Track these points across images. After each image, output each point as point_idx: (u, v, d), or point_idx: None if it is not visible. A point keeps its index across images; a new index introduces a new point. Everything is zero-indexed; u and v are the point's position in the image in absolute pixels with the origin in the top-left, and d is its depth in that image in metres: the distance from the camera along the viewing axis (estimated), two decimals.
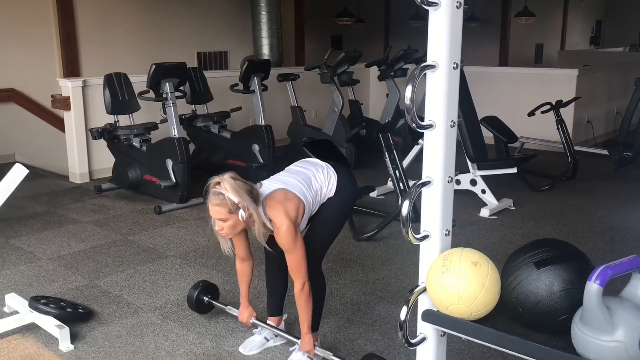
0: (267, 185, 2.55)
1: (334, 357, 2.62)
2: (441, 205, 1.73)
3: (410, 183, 4.96)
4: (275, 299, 2.98)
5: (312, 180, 2.61)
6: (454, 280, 1.62)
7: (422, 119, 1.70)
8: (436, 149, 1.70)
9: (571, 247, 1.69)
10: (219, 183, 2.39)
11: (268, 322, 2.96)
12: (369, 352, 2.73)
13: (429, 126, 1.68)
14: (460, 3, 1.64)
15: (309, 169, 2.67)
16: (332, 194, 2.66)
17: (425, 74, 1.66)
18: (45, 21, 7.44)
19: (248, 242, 2.73)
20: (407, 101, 1.60)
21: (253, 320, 2.89)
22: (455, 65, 1.66)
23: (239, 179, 2.40)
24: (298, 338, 2.74)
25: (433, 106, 1.68)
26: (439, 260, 1.69)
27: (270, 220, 2.45)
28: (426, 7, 1.62)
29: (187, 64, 5.67)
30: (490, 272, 1.65)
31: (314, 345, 2.66)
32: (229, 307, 3.08)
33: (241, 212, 2.38)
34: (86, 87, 6.10)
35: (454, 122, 1.70)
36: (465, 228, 4.69)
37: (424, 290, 1.75)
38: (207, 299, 3.17)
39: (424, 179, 1.72)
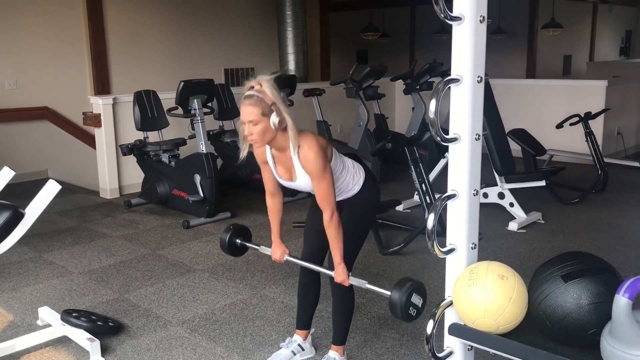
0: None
1: (369, 285, 2.53)
2: (467, 219, 1.73)
3: (437, 196, 4.94)
4: (305, 312, 2.95)
5: (343, 157, 2.66)
6: (481, 293, 1.62)
7: (448, 132, 1.71)
8: (461, 162, 1.70)
9: (599, 260, 1.67)
10: (253, 87, 2.40)
11: (296, 336, 2.96)
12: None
13: (454, 139, 1.69)
14: (483, 17, 1.65)
15: (342, 155, 2.71)
16: (356, 189, 2.67)
17: (449, 87, 1.67)
18: (77, 41, 7.64)
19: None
20: (432, 115, 1.61)
21: (287, 257, 2.83)
22: (479, 78, 1.67)
23: (275, 86, 2.42)
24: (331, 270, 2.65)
25: (457, 119, 1.69)
26: (465, 274, 1.68)
27: (299, 149, 2.44)
28: (449, 22, 1.63)
29: (214, 80, 5.75)
30: (517, 285, 1.64)
31: (348, 275, 2.57)
32: (261, 246, 2.97)
33: (273, 117, 2.38)
34: (116, 105, 6.23)
35: (479, 135, 1.71)
36: (494, 242, 4.65)
37: (451, 304, 1.75)
38: (239, 241, 3.09)
39: (449, 192, 1.72)
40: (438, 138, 1.64)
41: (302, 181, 2.56)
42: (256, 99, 2.37)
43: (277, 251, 2.85)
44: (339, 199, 2.65)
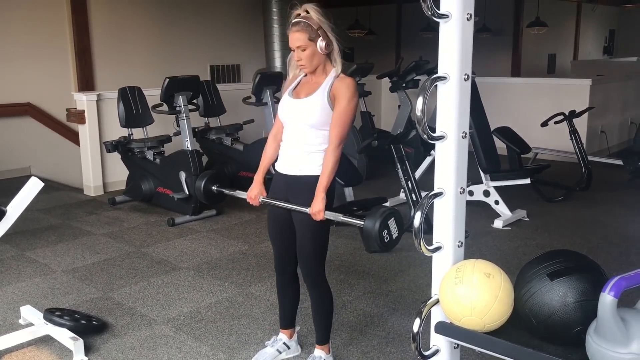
0: None
1: (343, 218, 2.52)
2: (453, 217, 1.73)
3: (423, 194, 4.95)
4: (287, 311, 2.96)
5: None
6: (467, 291, 1.61)
7: (434, 130, 1.71)
8: (448, 160, 1.70)
9: (585, 258, 1.67)
10: (300, 14, 2.48)
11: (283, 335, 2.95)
12: None
13: (441, 137, 1.68)
14: (470, 15, 1.64)
15: None
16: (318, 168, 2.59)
17: (436, 85, 1.66)
18: (61, 36, 7.56)
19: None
20: (419, 113, 1.61)
21: (262, 199, 2.78)
22: (466, 76, 1.67)
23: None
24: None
25: (444, 118, 1.68)
26: (451, 272, 1.68)
27: (331, 90, 2.50)
28: (437, 20, 1.63)
29: (200, 77, 5.72)
30: (503, 284, 1.64)
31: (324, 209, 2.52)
32: (237, 191, 2.91)
33: (320, 42, 2.46)
34: (101, 101, 6.17)
35: (466, 133, 1.70)
36: (479, 239, 4.67)
37: (437, 302, 1.74)
38: (215, 187, 3.03)
39: (436, 190, 1.72)
40: (425, 136, 1.63)
41: (315, 100, 2.54)
42: (303, 24, 2.47)
43: (254, 190, 2.78)
44: (304, 172, 2.60)
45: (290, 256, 2.76)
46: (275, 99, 6.28)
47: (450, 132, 1.67)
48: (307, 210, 2.53)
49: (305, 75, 2.64)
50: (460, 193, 1.73)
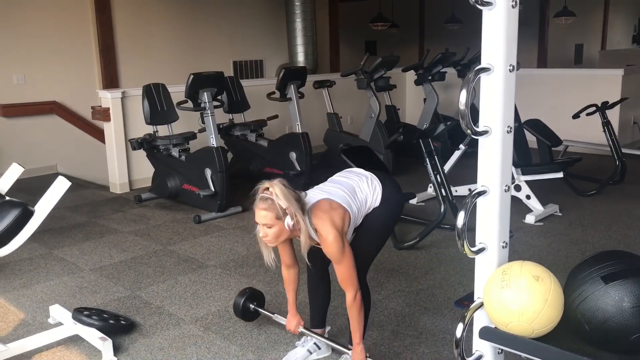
0: (312, 195, 2.49)
1: None
2: (498, 216, 1.64)
3: (452, 189, 4.84)
4: (318, 311, 2.92)
5: (356, 190, 2.55)
6: (515, 296, 1.53)
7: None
8: (492, 156, 1.61)
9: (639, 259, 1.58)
10: (267, 188, 2.35)
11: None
12: None
13: (485, 132, 1.59)
14: (516, 2, 1.55)
15: (353, 178, 2.61)
16: (377, 204, 2.58)
17: (479, 77, 1.58)
18: (85, 35, 7.58)
19: (293, 249, 2.68)
20: (462, 106, 1.52)
21: (301, 329, 2.83)
22: (511, 67, 1.58)
23: (288, 186, 2.36)
24: (346, 348, 2.67)
25: (488, 111, 1.59)
26: (497, 275, 1.59)
27: (315, 231, 2.39)
28: (480, 7, 1.54)
29: (224, 73, 5.68)
30: (553, 287, 1.55)
31: (366, 356, 2.58)
32: (275, 315, 3.03)
33: (287, 220, 2.33)
34: (125, 98, 6.16)
35: (511, 128, 1.61)
36: None
37: (481, 306, 1.66)
38: (253, 306, 3.11)
39: (479, 189, 1.63)
40: (469, 131, 1.54)
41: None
42: (270, 203, 2.33)
43: (292, 321, 2.83)
44: (361, 218, 2.59)
45: (325, 258, 2.70)
46: (299, 93, 6.22)
47: (495, 126, 1.58)
48: (349, 353, 2.60)
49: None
50: (505, 191, 1.64)
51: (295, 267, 2.74)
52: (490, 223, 1.65)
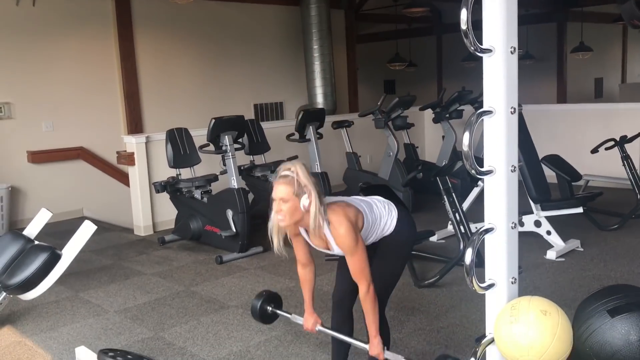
0: (329, 198, 2.58)
1: None
2: (506, 253, 1.69)
3: (472, 226, 4.86)
4: (340, 349, 2.90)
5: (372, 206, 2.63)
6: (523, 330, 1.56)
7: (481, 160, 1.68)
8: (497, 194, 1.66)
9: None
10: (289, 168, 2.44)
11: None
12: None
13: (489, 172, 1.66)
14: (514, 48, 1.63)
15: (371, 199, 2.71)
16: (391, 228, 2.64)
17: (482, 119, 1.65)
18: (111, 82, 7.84)
19: (308, 245, 2.70)
20: (465, 148, 1.59)
21: (319, 327, 2.83)
22: (512, 110, 1.65)
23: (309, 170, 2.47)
24: (363, 342, 2.67)
25: (492, 151, 1.66)
26: (506, 310, 1.63)
27: (329, 224, 2.44)
28: (480, 55, 1.62)
29: (244, 116, 5.83)
30: (561, 321, 1.58)
31: (383, 349, 2.56)
32: (293, 315, 2.99)
33: (304, 199, 2.40)
34: (149, 143, 6.33)
35: (515, 167, 1.67)
36: (532, 272, 4.53)
37: (492, 341, 1.69)
38: (271, 308, 3.10)
39: (486, 226, 1.68)
40: (473, 171, 1.61)
41: (340, 251, 2.57)
42: (290, 178, 2.42)
43: (309, 320, 2.85)
44: (374, 239, 2.64)
45: (352, 294, 2.75)
46: (318, 134, 6.33)
47: (499, 166, 1.65)
48: (366, 346, 2.61)
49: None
50: (512, 228, 1.69)
51: (311, 265, 2.76)
52: (498, 259, 1.70)
